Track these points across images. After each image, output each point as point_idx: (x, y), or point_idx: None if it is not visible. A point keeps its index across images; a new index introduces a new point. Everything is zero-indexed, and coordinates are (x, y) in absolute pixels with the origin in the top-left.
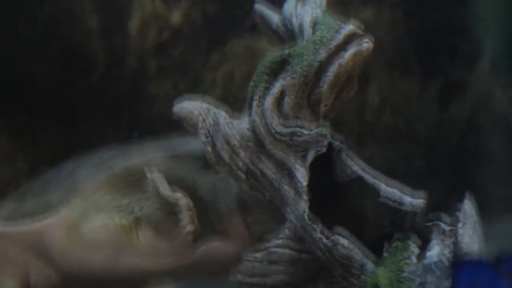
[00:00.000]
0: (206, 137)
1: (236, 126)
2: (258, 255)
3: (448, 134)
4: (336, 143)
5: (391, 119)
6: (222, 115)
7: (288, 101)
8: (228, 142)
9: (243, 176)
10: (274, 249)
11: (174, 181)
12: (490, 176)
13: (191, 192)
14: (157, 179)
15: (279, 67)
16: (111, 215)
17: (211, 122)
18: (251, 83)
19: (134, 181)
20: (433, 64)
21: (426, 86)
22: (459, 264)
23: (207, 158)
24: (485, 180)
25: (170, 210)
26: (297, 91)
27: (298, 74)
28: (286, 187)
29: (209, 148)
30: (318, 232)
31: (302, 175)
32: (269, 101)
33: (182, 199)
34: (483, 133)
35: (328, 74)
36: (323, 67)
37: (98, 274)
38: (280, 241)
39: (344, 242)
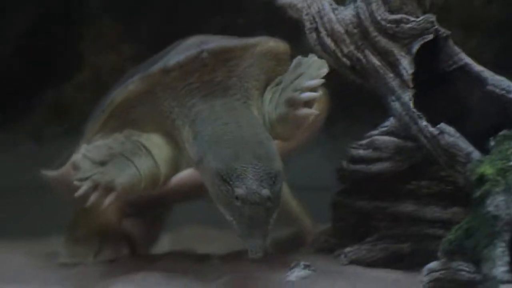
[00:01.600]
0: (311, 23)
1: (342, 13)
2: (363, 142)
3: None
4: (443, 30)
5: (499, 9)
6: (327, 2)
7: None
8: (333, 29)
9: (348, 62)
10: (379, 137)
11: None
12: None
13: None
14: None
15: None
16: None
17: (316, 8)
18: None
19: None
20: None
21: None
22: None
23: (311, 45)
24: None
25: None
26: None
27: None
28: (391, 75)
29: (313, 35)
30: (424, 119)
31: (407, 63)
32: None
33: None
34: None
35: None
36: None
37: None
38: (385, 129)
39: (450, 130)
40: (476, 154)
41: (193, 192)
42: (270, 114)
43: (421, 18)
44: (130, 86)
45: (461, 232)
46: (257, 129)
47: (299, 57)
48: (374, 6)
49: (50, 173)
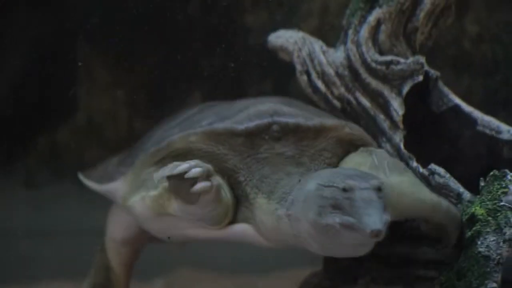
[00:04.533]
0: (302, 66)
1: (332, 55)
2: None
3: None
4: (433, 71)
5: (489, 48)
6: (318, 44)
7: (384, 29)
8: (323, 71)
9: (338, 105)
10: None
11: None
12: None
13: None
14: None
15: None
16: (150, 188)
17: (307, 51)
18: (348, 11)
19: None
20: None
21: None
22: None
23: (302, 87)
24: None
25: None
26: (394, 19)
27: (394, 2)
28: (381, 116)
29: (304, 77)
30: (414, 160)
31: (398, 104)
32: (365, 29)
33: (193, 168)
34: None
35: (425, 2)
36: None
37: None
38: None
39: (441, 171)
40: (466, 195)
41: None
42: None
43: (410, 59)
44: (191, 137)
45: (453, 274)
46: None
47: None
48: (364, 48)
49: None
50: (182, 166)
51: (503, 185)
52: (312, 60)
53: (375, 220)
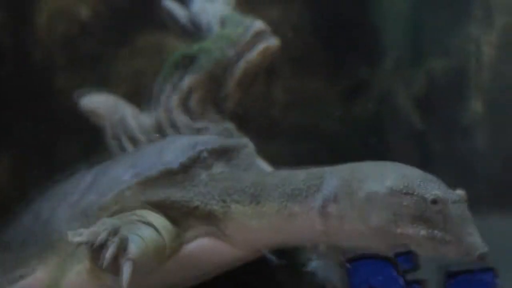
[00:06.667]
0: (113, 130)
1: (143, 120)
2: None
3: (352, 132)
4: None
5: (298, 116)
6: (129, 110)
7: (195, 96)
8: (133, 136)
9: None
10: None
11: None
12: None
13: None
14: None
15: (188, 63)
16: (83, 261)
17: (119, 116)
18: (160, 78)
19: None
20: (339, 62)
21: (332, 84)
22: (355, 260)
23: (111, 150)
24: None
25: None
26: (204, 87)
27: (205, 71)
28: None
29: (114, 142)
30: None
31: None
32: (177, 95)
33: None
34: (386, 131)
35: (236, 70)
36: (231, 63)
37: None
38: None
39: None
40: None
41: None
42: None
43: (221, 126)
44: (126, 192)
45: None
46: None
47: None
48: (175, 114)
49: None
50: (84, 234)
51: None
52: (123, 125)
53: (479, 241)
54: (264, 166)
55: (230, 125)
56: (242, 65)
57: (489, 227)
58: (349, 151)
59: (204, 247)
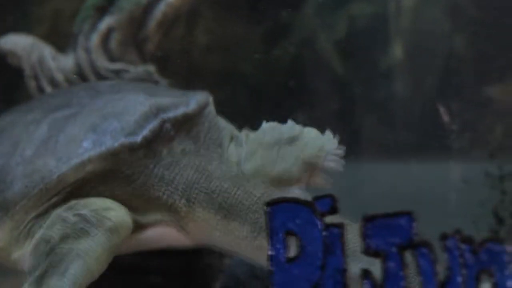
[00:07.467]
0: (31, 71)
1: (62, 61)
2: None
3: (273, 75)
4: (163, 80)
5: (219, 59)
6: (48, 50)
7: (115, 37)
8: (52, 77)
9: None
10: None
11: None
12: (310, 115)
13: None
14: None
15: (107, 3)
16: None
17: (37, 56)
18: (79, 18)
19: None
20: (261, 5)
21: (253, 27)
22: (274, 204)
23: (30, 91)
24: (305, 118)
25: None
26: (124, 28)
27: (125, 11)
28: None
29: (33, 83)
30: None
31: None
32: (96, 36)
33: None
34: (307, 74)
35: (156, 12)
36: (151, 5)
37: None
38: None
39: None
40: None
41: None
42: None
43: (140, 68)
44: (88, 166)
45: None
46: None
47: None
48: (94, 55)
49: None
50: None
51: None
52: (41, 66)
53: None
54: (223, 123)
55: (150, 68)
56: (162, 7)
57: (409, 172)
58: (269, 95)
59: (161, 235)
